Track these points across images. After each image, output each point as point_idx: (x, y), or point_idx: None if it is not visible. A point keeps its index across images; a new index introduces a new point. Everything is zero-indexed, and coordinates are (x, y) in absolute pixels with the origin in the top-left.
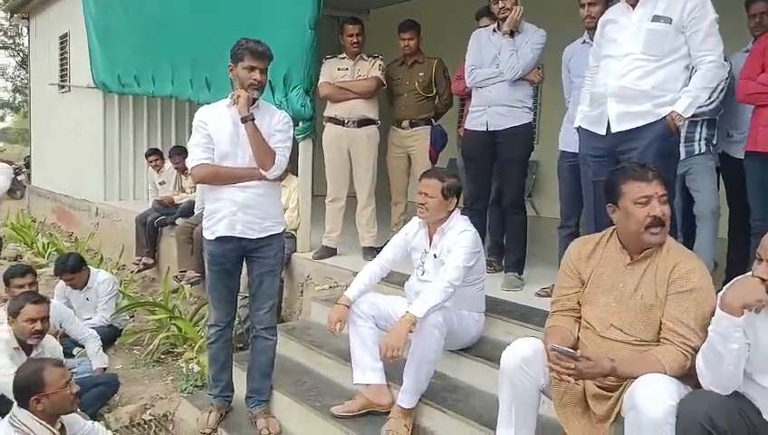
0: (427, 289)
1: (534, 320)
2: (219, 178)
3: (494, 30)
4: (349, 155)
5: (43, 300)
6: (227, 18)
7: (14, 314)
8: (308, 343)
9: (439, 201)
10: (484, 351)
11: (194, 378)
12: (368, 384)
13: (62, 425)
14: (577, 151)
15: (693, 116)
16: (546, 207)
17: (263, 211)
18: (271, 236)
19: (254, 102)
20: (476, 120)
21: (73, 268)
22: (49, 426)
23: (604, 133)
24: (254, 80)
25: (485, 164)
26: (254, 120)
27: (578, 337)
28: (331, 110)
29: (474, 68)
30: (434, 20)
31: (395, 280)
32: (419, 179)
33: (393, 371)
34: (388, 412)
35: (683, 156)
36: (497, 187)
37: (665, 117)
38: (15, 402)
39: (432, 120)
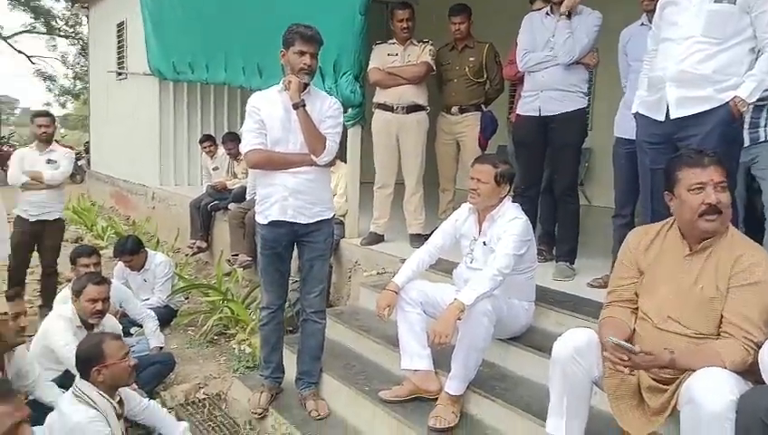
0: (476, 277)
1: (586, 311)
2: (272, 163)
3: (548, 13)
4: (397, 141)
5: (105, 281)
6: (279, 5)
7: (77, 294)
8: (356, 328)
9: (492, 187)
10: (534, 340)
11: (245, 359)
12: (416, 370)
13: (121, 399)
14: (634, 138)
15: (758, 100)
16: (599, 196)
17: (313, 196)
18: (321, 221)
19: (305, 88)
20: (529, 105)
21: (132, 250)
22: (108, 397)
23: (663, 119)
24: (305, 64)
25: (537, 150)
26: (305, 105)
27: (634, 329)
28: (380, 96)
29: (526, 52)
30: (485, 4)
31: (444, 268)
32: (472, 165)
33: (441, 358)
34: (436, 399)
35: (747, 143)
36: (549, 174)
37: (727, 102)
38: (78, 375)
39: (482, 105)
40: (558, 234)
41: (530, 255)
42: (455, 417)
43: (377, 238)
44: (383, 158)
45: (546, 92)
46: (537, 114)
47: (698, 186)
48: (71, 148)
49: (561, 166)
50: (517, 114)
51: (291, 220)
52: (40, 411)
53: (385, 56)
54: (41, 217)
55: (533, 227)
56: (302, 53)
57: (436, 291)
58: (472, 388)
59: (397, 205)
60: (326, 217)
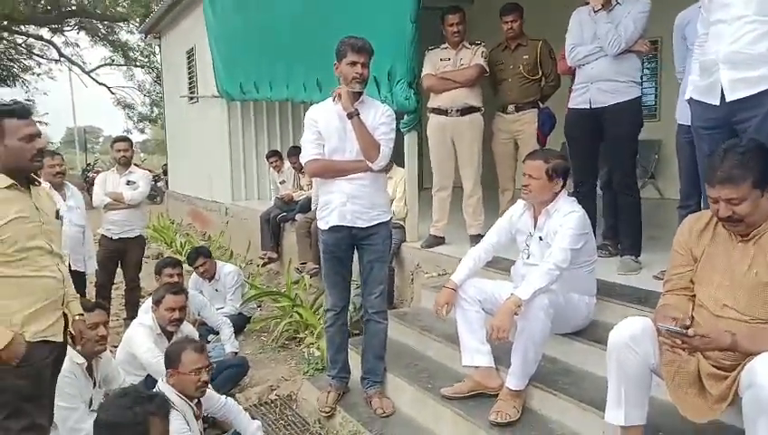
0: (533, 272)
1: (653, 303)
2: (329, 171)
3: (593, 8)
4: (453, 144)
5: (183, 291)
6: (332, 19)
7: (156, 303)
8: (419, 328)
9: (543, 183)
10: (598, 335)
11: (315, 362)
12: (476, 367)
13: (199, 400)
14: None
15: None
16: (671, 188)
17: (370, 201)
18: (378, 224)
19: (358, 97)
20: (579, 97)
21: (205, 253)
22: (187, 399)
23: (718, 103)
24: (357, 73)
25: (589, 143)
26: (359, 114)
27: (692, 316)
28: (434, 101)
29: (574, 46)
30: (537, 1)
31: (502, 266)
32: (524, 161)
33: (502, 354)
34: (498, 395)
35: None
36: (608, 167)
37: None
38: (160, 378)
39: (539, 102)
40: (620, 228)
41: (588, 248)
42: (516, 412)
43: (437, 241)
44: (439, 161)
45: (596, 84)
46: (587, 106)
47: (712, 199)
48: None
49: (616, 159)
50: (568, 108)
51: (349, 225)
52: None
53: (437, 61)
54: (122, 234)
55: (593, 222)
56: (353, 64)
57: (494, 288)
58: (534, 383)
59: (456, 207)
60: (383, 220)
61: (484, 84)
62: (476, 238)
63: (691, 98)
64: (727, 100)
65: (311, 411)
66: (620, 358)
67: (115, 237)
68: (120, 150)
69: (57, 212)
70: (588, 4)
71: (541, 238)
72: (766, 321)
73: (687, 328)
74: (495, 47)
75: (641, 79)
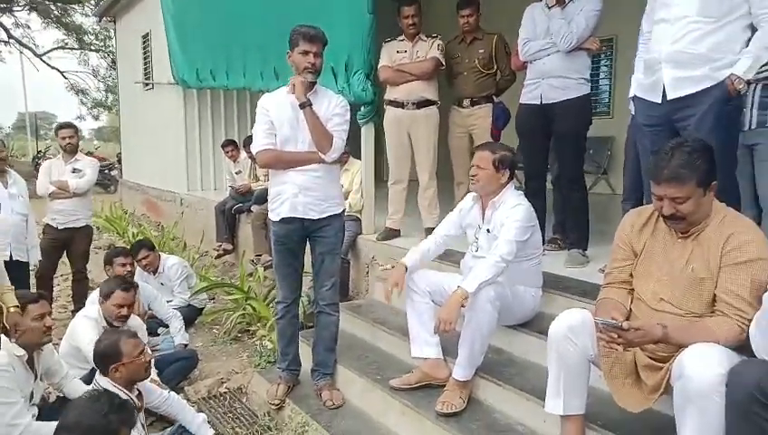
0: (479, 264)
1: (596, 296)
2: (281, 161)
3: (546, 4)
4: (409, 137)
5: (132, 287)
6: (290, 9)
7: (105, 296)
8: (371, 320)
9: (491, 173)
10: (542, 326)
11: (267, 354)
12: (425, 358)
13: (139, 392)
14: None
15: None
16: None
17: (322, 193)
18: (330, 216)
19: (311, 87)
20: (530, 93)
21: (149, 246)
22: (126, 391)
23: (660, 101)
24: (309, 63)
25: (540, 139)
26: (311, 105)
27: (630, 309)
28: (390, 93)
29: (527, 41)
30: None
31: (453, 259)
32: (472, 153)
33: (449, 346)
34: (445, 385)
35: (754, 125)
36: (558, 163)
37: (723, 81)
38: (97, 371)
39: (493, 97)
40: (567, 222)
41: (534, 241)
42: (462, 402)
43: (392, 233)
44: (396, 154)
45: (547, 80)
46: (538, 102)
47: (657, 197)
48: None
49: (564, 155)
50: (520, 103)
51: (301, 216)
52: None
53: (394, 53)
54: (68, 224)
55: (544, 217)
56: (305, 53)
57: (444, 280)
58: (480, 374)
59: (413, 200)
60: (336, 213)
61: (440, 78)
62: (431, 231)
63: (635, 95)
64: (668, 98)
65: (260, 404)
66: (560, 349)
67: (60, 227)
68: (65, 137)
69: None
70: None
71: (488, 231)
72: (700, 315)
73: (623, 322)
74: (452, 40)
75: (590, 76)
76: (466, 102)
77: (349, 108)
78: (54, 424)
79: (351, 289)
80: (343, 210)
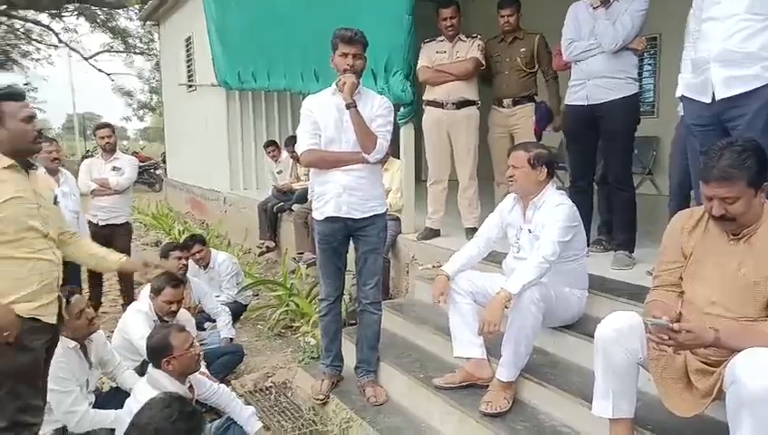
0: (522, 266)
1: (643, 299)
2: (325, 162)
3: (592, 4)
4: (449, 137)
5: (182, 283)
6: (330, 10)
7: (156, 292)
8: (413, 319)
9: (527, 172)
10: (588, 328)
11: (310, 350)
12: (468, 358)
13: (191, 385)
14: None
15: None
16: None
17: (365, 193)
18: (374, 216)
19: (355, 88)
20: (576, 94)
21: (202, 241)
22: (180, 384)
23: (709, 101)
24: (347, 65)
25: (587, 140)
26: (356, 106)
27: (680, 312)
28: (429, 93)
29: (571, 41)
30: None
31: (495, 259)
32: (507, 154)
33: (493, 346)
34: (489, 386)
35: None
36: (604, 163)
37: None
38: (150, 364)
39: (535, 96)
40: (614, 223)
41: (578, 241)
42: (507, 403)
43: (432, 233)
44: (435, 154)
45: (593, 81)
46: (585, 103)
47: (707, 197)
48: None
49: (611, 155)
50: (566, 104)
51: (345, 216)
52: (122, 397)
53: (433, 54)
54: (110, 221)
55: (589, 217)
56: (344, 55)
57: (486, 280)
58: (524, 375)
59: (453, 200)
60: (379, 212)
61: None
62: (472, 231)
63: (683, 95)
64: (718, 98)
65: (305, 399)
66: (607, 351)
67: (102, 223)
68: (103, 137)
69: (55, 198)
70: None
71: (530, 231)
72: (754, 319)
73: (673, 323)
74: (491, 39)
75: (638, 75)
76: (507, 102)
77: (393, 109)
78: (110, 412)
79: (392, 288)
80: (386, 210)
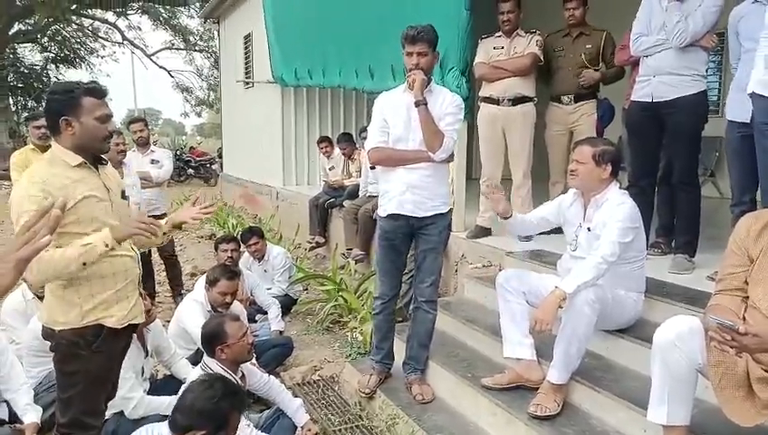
0: (580, 265)
1: (703, 304)
2: (391, 160)
3: None
4: (503, 134)
5: (237, 276)
6: (386, 7)
7: (211, 284)
8: (462, 318)
9: (591, 168)
10: (644, 333)
11: (357, 345)
12: (518, 359)
13: (243, 374)
14: (747, 121)
15: None
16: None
17: (430, 191)
18: (437, 215)
19: (426, 86)
20: (641, 90)
21: (259, 233)
22: (232, 373)
23: None
24: (412, 64)
25: (651, 138)
26: (426, 103)
27: (743, 317)
28: (485, 89)
29: (639, 35)
30: None
31: (548, 259)
32: (572, 148)
33: (544, 347)
34: (538, 387)
35: None
36: (666, 162)
37: None
38: (205, 353)
39: (597, 93)
40: (676, 225)
41: (638, 243)
42: (556, 405)
43: (483, 232)
44: (488, 151)
45: (659, 77)
46: (650, 100)
47: None
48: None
49: (676, 154)
50: (630, 100)
51: (408, 214)
52: (175, 385)
53: (491, 49)
54: (150, 212)
55: (649, 219)
56: (409, 54)
57: (539, 280)
58: (576, 378)
59: (505, 198)
60: (442, 211)
61: (538, 74)
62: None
63: (753, 92)
64: None
65: (351, 394)
66: (665, 357)
67: None
68: (135, 131)
69: (123, 192)
70: None
71: (589, 229)
72: None
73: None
74: (555, 33)
75: (706, 72)
76: (567, 99)
77: (463, 106)
78: (164, 399)
79: (441, 286)
80: (450, 210)
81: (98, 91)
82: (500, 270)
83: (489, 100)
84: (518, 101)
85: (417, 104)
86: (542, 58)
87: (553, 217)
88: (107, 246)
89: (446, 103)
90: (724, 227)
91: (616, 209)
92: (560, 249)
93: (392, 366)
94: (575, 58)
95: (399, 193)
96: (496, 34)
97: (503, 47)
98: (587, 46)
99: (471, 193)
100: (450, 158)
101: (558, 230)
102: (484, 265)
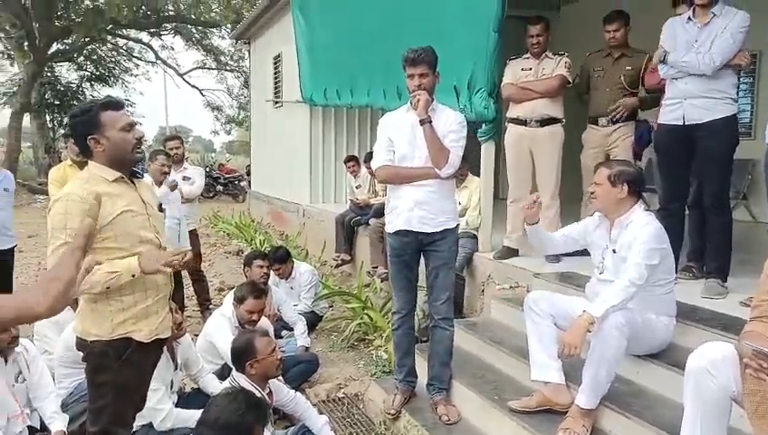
0: (608, 288)
1: (737, 331)
2: (398, 177)
3: (689, 18)
4: (531, 155)
5: (264, 294)
6: (414, 28)
7: (238, 301)
8: (488, 339)
9: (607, 189)
10: (675, 358)
11: (382, 364)
12: (546, 382)
13: (270, 390)
14: None
15: None
16: (765, 212)
17: (436, 207)
18: (445, 230)
19: (428, 105)
20: (671, 113)
21: (281, 259)
22: (259, 388)
23: None
24: (414, 86)
25: (681, 161)
26: (431, 122)
27: None
28: (513, 110)
29: (665, 58)
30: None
31: (576, 282)
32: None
33: (572, 371)
34: (567, 412)
35: None
36: (697, 186)
37: None
38: (233, 368)
39: (636, 114)
40: (707, 249)
41: (665, 266)
42: (585, 431)
43: (510, 252)
44: (516, 172)
45: (690, 100)
46: (681, 123)
47: None
48: (233, 170)
49: (708, 177)
50: (659, 123)
51: (416, 230)
52: (203, 399)
53: (518, 71)
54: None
55: (680, 242)
56: (411, 76)
57: (568, 303)
58: (605, 403)
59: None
60: (450, 227)
61: (568, 96)
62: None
63: None
64: None
65: (376, 412)
66: (698, 383)
67: None
68: (172, 148)
69: (160, 205)
70: (681, 14)
71: (614, 251)
72: None
73: None
74: (595, 52)
75: (737, 95)
76: (604, 121)
77: (466, 124)
78: (192, 412)
79: (465, 307)
80: (457, 225)
81: (114, 104)
82: (528, 292)
83: (516, 120)
84: (546, 122)
85: (422, 123)
86: (570, 80)
87: (579, 235)
88: (133, 276)
89: (449, 121)
90: (757, 252)
91: (641, 231)
92: (588, 271)
93: (416, 384)
94: (614, 79)
95: (407, 209)
96: (524, 56)
97: (530, 68)
98: (627, 68)
99: (498, 213)
100: (463, 175)
101: (586, 252)
102: (511, 287)
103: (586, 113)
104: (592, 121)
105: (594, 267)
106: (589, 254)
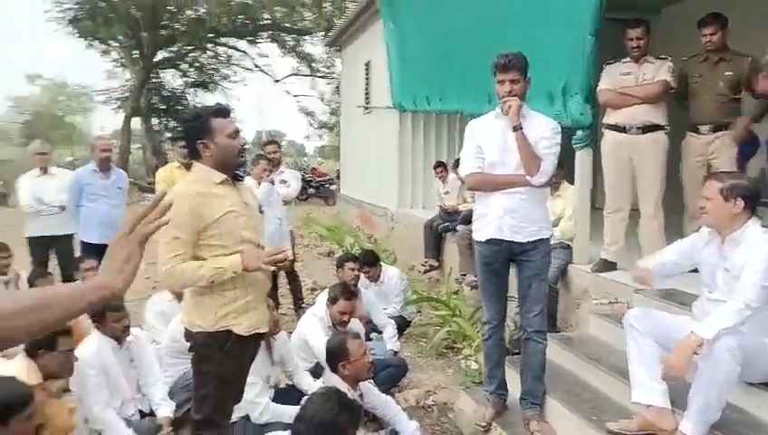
0: (719, 309)
1: None
2: (488, 184)
3: None
4: (631, 163)
5: (354, 296)
6: (507, 34)
7: (331, 301)
8: (585, 356)
9: (719, 204)
10: None
11: (472, 374)
12: (649, 405)
13: (361, 392)
14: None
15: None
16: None
17: (527, 216)
18: (537, 240)
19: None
20: None
21: (370, 262)
22: (352, 390)
23: None
24: (504, 92)
25: None
26: (522, 128)
27: None
28: (610, 116)
29: None
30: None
31: (681, 299)
32: (702, 184)
33: (676, 395)
34: None
35: None
36: None
37: None
38: (327, 368)
39: None
40: None
41: None
42: None
43: (608, 265)
44: (614, 181)
45: None
46: None
47: None
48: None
49: None
50: None
51: (507, 239)
52: (296, 395)
53: (617, 76)
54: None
55: None
56: (501, 82)
57: (672, 322)
58: (715, 432)
59: (632, 231)
60: (542, 237)
61: (669, 102)
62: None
63: None
64: None
65: (466, 423)
66: None
67: None
68: (270, 152)
69: (260, 206)
70: None
71: (727, 270)
72: None
73: None
74: (692, 57)
75: None
76: (705, 129)
77: (560, 131)
78: (288, 408)
79: (559, 320)
80: (551, 235)
81: (223, 111)
82: (628, 308)
83: (615, 127)
84: (648, 129)
85: (515, 129)
86: (674, 85)
87: (686, 259)
88: (235, 272)
89: (541, 128)
90: None
91: (757, 249)
92: (695, 289)
93: (507, 398)
94: (714, 85)
95: (498, 217)
96: (623, 60)
97: (630, 73)
98: (726, 73)
99: (595, 223)
100: (557, 184)
101: (693, 269)
102: (609, 302)
103: (686, 120)
104: (692, 129)
105: (703, 286)
106: (695, 270)
